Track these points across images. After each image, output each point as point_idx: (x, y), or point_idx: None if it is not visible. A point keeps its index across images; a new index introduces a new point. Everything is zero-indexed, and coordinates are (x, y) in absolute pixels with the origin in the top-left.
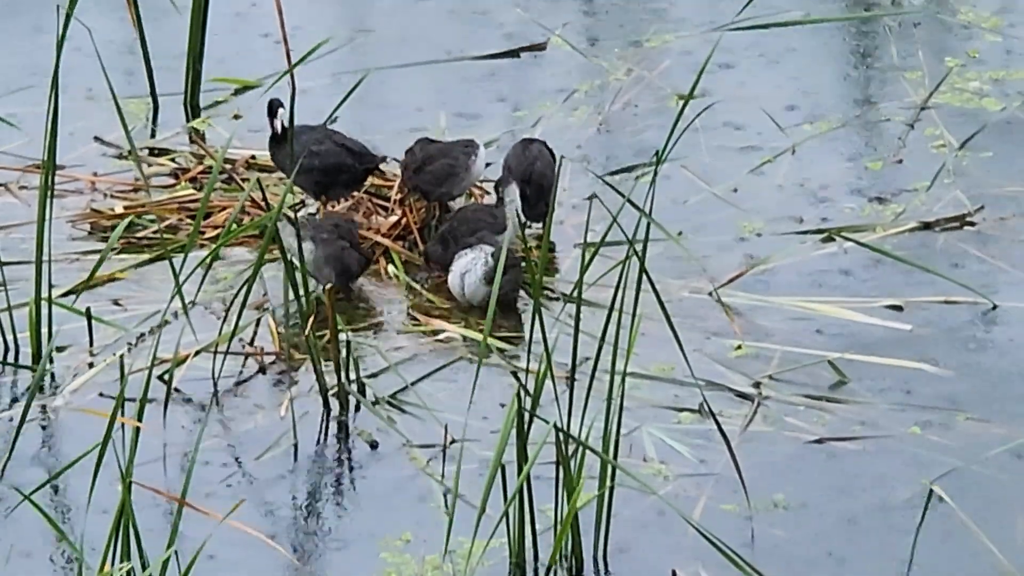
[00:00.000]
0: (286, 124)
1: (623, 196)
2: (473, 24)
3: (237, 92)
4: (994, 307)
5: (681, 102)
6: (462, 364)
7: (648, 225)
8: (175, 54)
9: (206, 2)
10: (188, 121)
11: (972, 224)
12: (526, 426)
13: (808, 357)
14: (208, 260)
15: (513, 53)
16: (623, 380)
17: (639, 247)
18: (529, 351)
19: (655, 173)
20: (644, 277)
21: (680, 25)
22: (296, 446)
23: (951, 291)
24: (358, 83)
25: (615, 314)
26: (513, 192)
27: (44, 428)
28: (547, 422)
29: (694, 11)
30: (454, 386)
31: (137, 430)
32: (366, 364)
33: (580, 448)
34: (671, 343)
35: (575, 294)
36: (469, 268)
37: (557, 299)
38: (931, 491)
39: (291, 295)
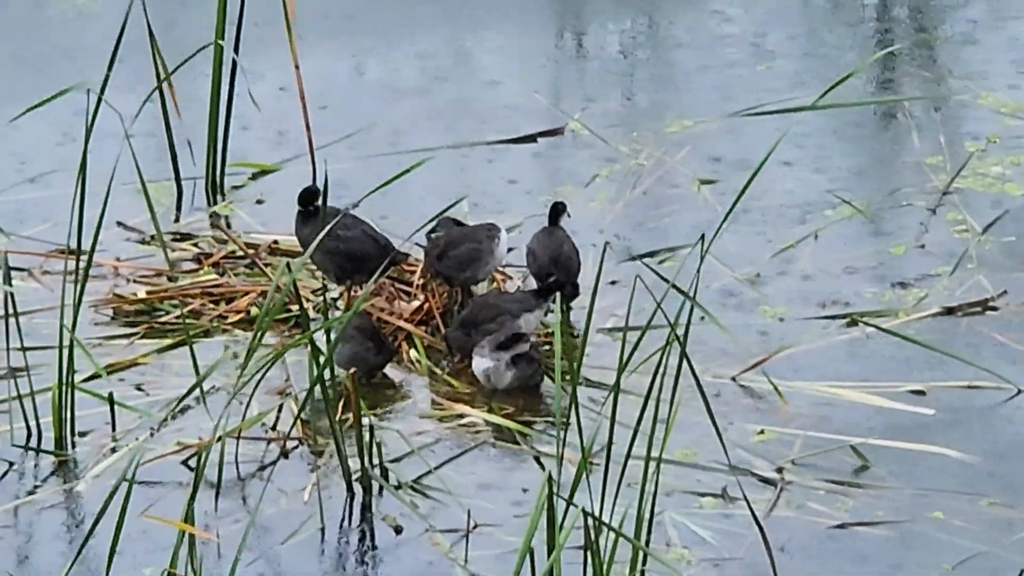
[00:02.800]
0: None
1: (667, 281)
2: (491, 109)
3: (255, 176)
4: (1018, 392)
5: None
6: (485, 448)
7: (692, 308)
8: (200, 138)
9: (230, 87)
10: (211, 206)
11: (995, 309)
12: (555, 510)
13: (831, 442)
14: (243, 350)
15: (530, 138)
16: (658, 466)
17: (670, 333)
18: (563, 440)
19: (701, 259)
20: (670, 363)
21: (698, 110)
22: (323, 530)
23: (974, 376)
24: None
25: (631, 396)
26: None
27: (67, 512)
28: (576, 506)
29: (711, 97)
30: (477, 470)
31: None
32: (389, 448)
33: (610, 533)
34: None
35: (610, 381)
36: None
37: (581, 384)
38: None
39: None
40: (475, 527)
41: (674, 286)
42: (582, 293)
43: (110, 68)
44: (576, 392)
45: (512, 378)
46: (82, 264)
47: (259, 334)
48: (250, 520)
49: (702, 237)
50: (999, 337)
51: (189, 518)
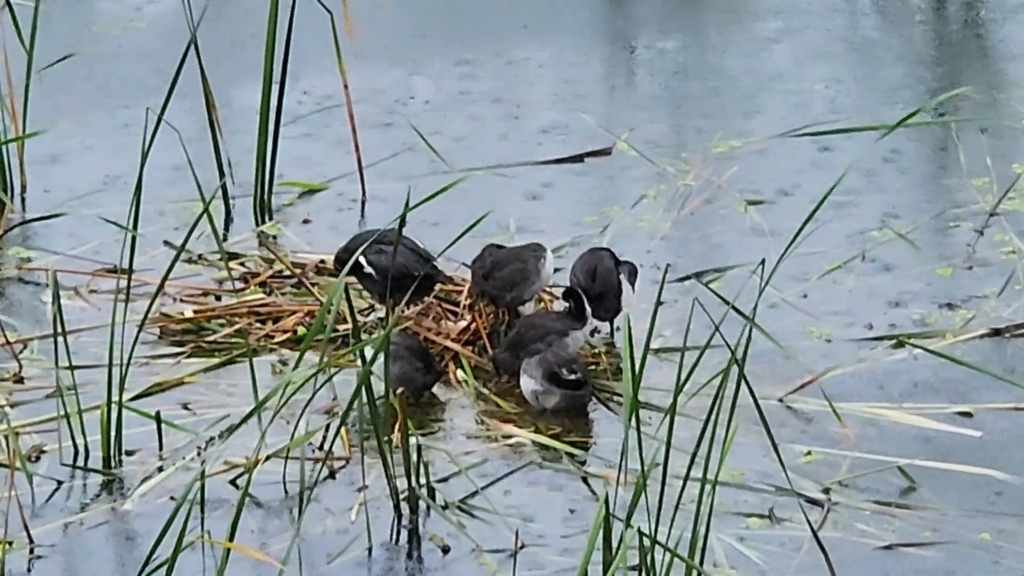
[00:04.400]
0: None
1: (727, 302)
2: (538, 128)
3: (302, 195)
4: None
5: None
6: (531, 469)
7: (751, 330)
8: (248, 157)
9: (279, 105)
10: (258, 225)
11: None
12: (611, 530)
13: (877, 463)
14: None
15: (577, 158)
16: (714, 488)
17: (731, 357)
18: (624, 462)
19: (767, 280)
20: (724, 385)
21: (746, 130)
22: (370, 550)
23: (1021, 397)
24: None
25: (680, 417)
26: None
27: (115, 531)
28: (631, 526)
29: (759, 117)
30: (524, 491)
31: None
32: (436, 468)
33: (665, 554)
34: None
35: (657, 402)
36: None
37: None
38: None
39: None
40: (522, 547)
41: (734, 308)
42: (630, 314)
43: (171, 90)
44: (637, 415)
45: (561, 399)
46: (133, 284)
47: (329, 355)
48: (299, 540)
49: (762, 262)
50: None
51: (234, 537)
